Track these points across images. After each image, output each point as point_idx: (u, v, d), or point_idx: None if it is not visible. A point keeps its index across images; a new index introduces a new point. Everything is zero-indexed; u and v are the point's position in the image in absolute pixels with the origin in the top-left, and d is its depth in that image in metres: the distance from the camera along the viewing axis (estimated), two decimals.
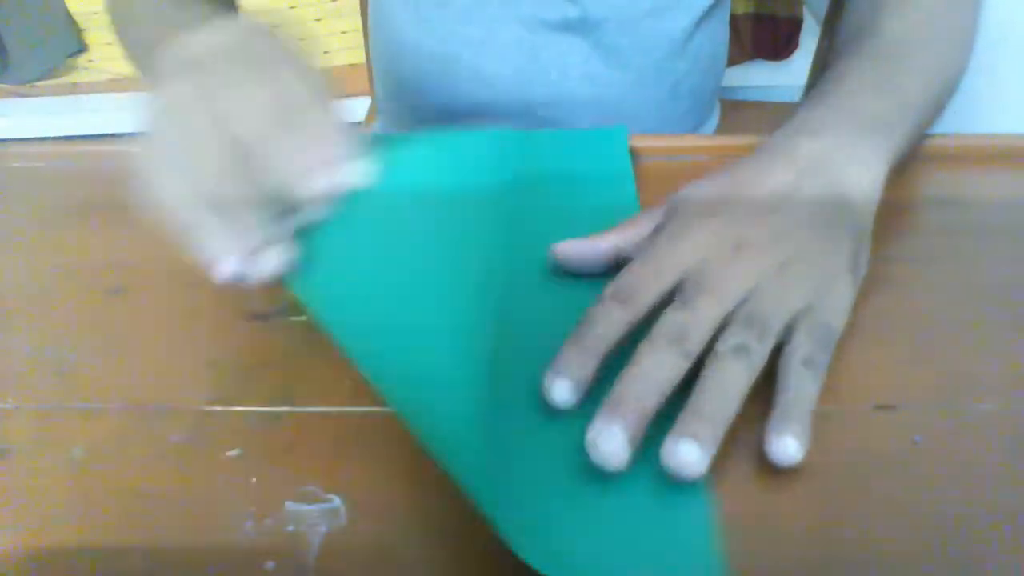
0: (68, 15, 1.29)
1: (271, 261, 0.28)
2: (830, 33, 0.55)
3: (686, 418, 0.25)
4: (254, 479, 0.27)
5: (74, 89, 1.35)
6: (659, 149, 0.45)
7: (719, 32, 0.62)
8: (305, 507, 0.26)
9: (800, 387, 0.27)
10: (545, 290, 0.33)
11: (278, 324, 0.34)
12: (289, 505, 0.26)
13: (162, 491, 0.27)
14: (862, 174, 0.33)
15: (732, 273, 0.28)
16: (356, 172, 0.29)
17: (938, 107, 0.42)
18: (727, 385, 0.26)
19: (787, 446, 0.26)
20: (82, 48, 1.32)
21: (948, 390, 0.30)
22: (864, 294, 0.34)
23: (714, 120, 0.68)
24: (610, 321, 0.28)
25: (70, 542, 0.25)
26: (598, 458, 0.25)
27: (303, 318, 0.34)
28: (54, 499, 0.27)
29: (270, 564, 0.24)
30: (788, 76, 1.18)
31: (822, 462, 0.27)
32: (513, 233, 0.35)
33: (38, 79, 1.34)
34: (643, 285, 0.29)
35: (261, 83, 0.29)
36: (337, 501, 0.26)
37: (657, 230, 0.32)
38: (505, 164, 0.37)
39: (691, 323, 0.27)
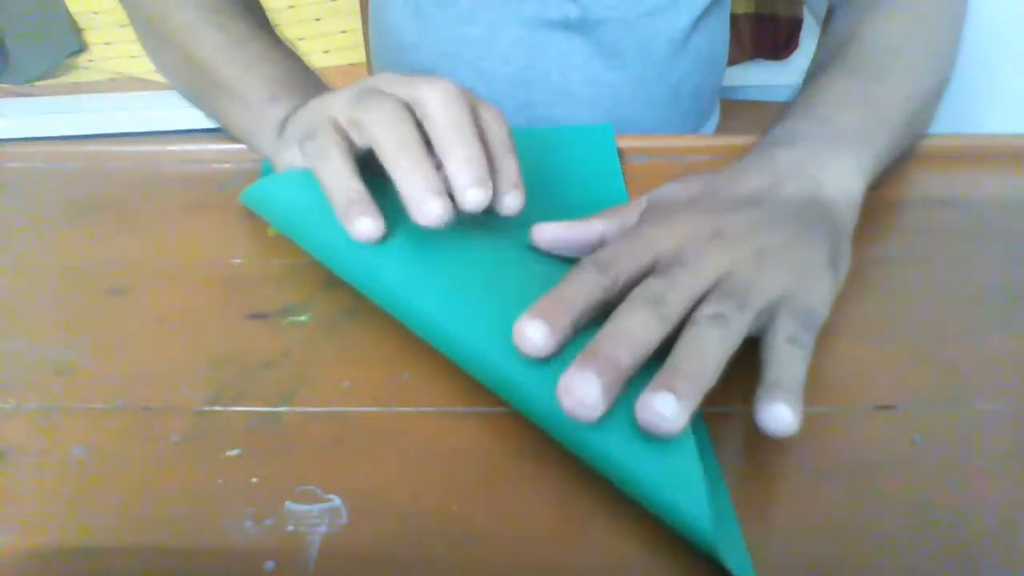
0: (68, 15, 1.29)
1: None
2: (819, 38, 0.55)
3: (663, 373, 0.24)
4: (254, 479, 0.27)
5: (74, 89, 1.35)
6: (658, 149, 0.45)
7: (719, 32, 0.62)
8: (305, 507, 0.26)
9: (788, 362, 0.26)
10: (533, 288, 0.33)
11: (278, 324, 0.34)
12: (289, 505, 0.26)
13: (162, 491, 0.27)
14: (839, 179, 0.34)
15: (708, 255, 0.28)
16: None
17: (918, 120, 0.42)
18: (705, 348, 0.25)
19: (780, 412, 0.24)
20: (82, 48, 1.32)
21: (948, 390, 0.30)
22: (863, 294, 0.34)
23: (714, 120, 0.68)
24: (585, 281, 0.27)
25: (70, 542, 0.25)
26: (571, 404, 0.24)
27: (303, 318, 0.34)
28: (54, 499, 0.27)
29: (270, 564, 0.24)
30: (788, 76, 1.18)
31: (822, 462, 0.27)
32: (501, 229, 0.35)
33: (38, 79, 1.34)
34: (620, 257, 0.28)
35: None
36: (337, 501, 0.26)
37: (641, 219, 0.33)
38: None
39: (668, 290, 0.27)
